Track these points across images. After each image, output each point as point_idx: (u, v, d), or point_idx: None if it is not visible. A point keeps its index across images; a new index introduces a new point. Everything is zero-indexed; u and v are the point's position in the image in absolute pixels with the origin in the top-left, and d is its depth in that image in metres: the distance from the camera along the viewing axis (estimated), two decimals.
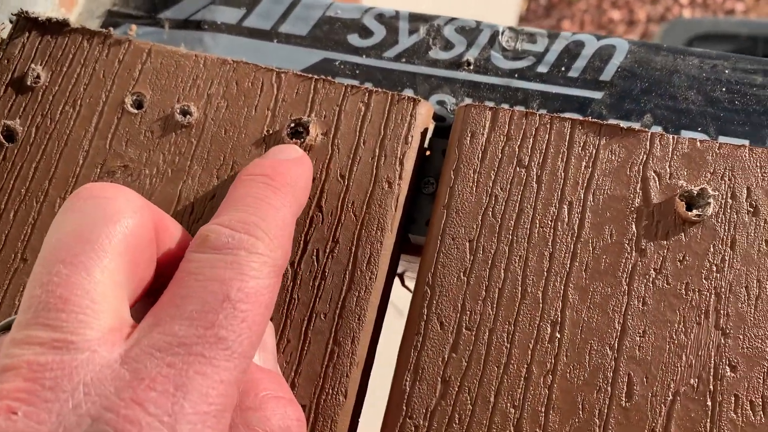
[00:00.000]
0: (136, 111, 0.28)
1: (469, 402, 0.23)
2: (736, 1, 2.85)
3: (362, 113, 0.27)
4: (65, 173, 0.27)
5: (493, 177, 0.26)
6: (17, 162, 0.27)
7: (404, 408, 0.23)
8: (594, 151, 0.25)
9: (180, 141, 0.27)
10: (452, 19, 0.31)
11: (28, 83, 0.28)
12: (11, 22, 0.29)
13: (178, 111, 0.27)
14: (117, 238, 0.19)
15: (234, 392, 0.18)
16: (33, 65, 0.28)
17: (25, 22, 0.29)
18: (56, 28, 0.29)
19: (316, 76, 0.28)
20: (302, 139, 0.26)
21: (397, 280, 0.32)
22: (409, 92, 0.30)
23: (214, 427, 0.17)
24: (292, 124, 0.27)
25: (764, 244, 0.24)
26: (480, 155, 0.26)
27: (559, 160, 0.26)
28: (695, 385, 0.23)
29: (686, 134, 0.28)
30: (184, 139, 0.27)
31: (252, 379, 0.21)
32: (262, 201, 0.22)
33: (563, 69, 0.30)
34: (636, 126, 0.27)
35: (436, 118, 0.30)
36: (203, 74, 0.28)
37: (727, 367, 0.23)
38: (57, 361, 0.17)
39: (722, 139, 0.28)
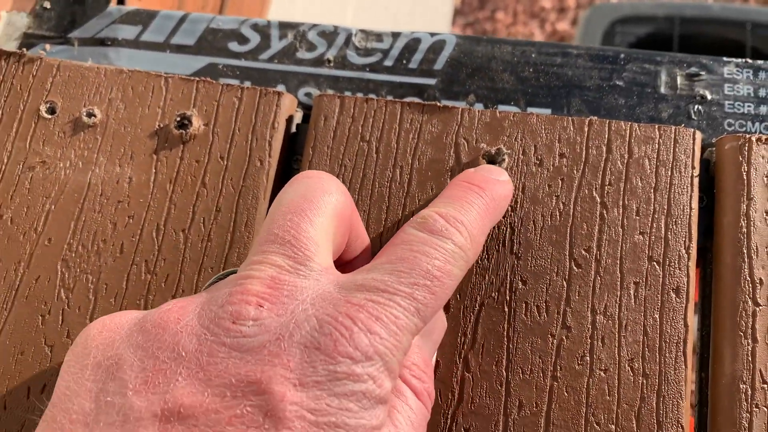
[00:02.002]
0: (49, 116, 0.34)
1: None
2: None
3: (236, 106, 0.33)
4: None
5: (342, 150, 0.32)
6: None
7: None
8: (419, 126, 0.32)
9: (87, 138, 0.33)
10: (314, 26, 0.38)
11: None
12: None
13: (85, 114, 0.33)
14: (330, 205, 0.26)
15: (405, 339, 0.24)
16: None
17: None
18: None
19: (197, 78, 0.34)
20: (187, 129, 0.33)
21: None
22: (281, 87, 0.37)
23: (394, 348, 0.23)
24: (178, 118, 0.33)
25: (547, 187, 0.31)
26: (332, 134, 0.33)
27: (393, 134, 0.32)
28: (495, 296, 0.30)
29: (502, 107, 0.35)
30: (91, 137, 0.33)
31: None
32: (472, 206, 0.27)
33: (404, 62, 0.37)
34: (456, 104, 0.34)
35: (305, 107, 0.36)
36: (104, 83, 0.34)
37: (519, 282, 0.30)
38: (292, 280, 0.24)
39: (530, 109, 0.36)
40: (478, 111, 0.32)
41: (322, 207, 0.26)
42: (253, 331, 0.23)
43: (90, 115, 0.33)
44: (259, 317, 0.23)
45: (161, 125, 0.33)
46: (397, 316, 0.23)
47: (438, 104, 0.33)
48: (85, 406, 0.22)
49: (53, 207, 0.32)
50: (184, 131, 0.33)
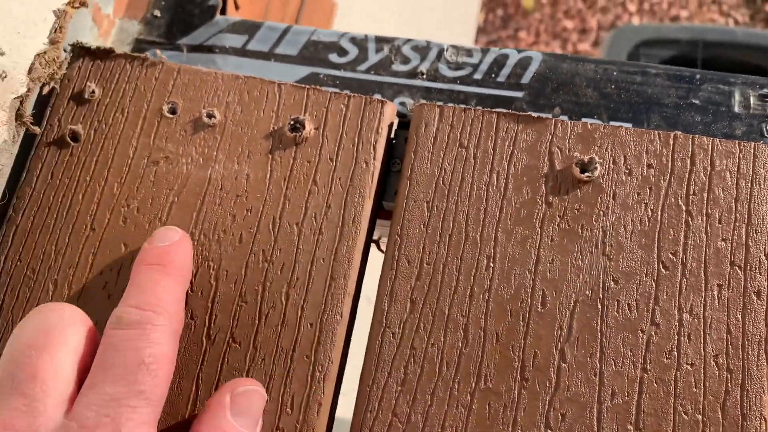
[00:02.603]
0: (171, 116, 0.36)
1: (430, 314, 0.32)
2: (681, 8, 3.00)
3: (343, 112, 0.36)
4: (120, 164, 0.36)
5: (442, 155, 0.35)
6: (81, 157, 0.36)
7: (383, 322, 0.33)
8: (514, 134, 0.35)
9: (207, 137, 0.36)
10: (408, 40, 0.41)
11: (86, 97, 0.37)
12: (67, 51, 0.38)
13: (205, 115, 0.36)
14: (72, 336, 0.27)
15: (153, 429, 0.25)
16: (88, 83, 0.37)
17: (79, 50, 0.38)
18: (104, 54, 0.38)
19: (308, 86, 0.37)
20: (300, 133, 0.35)
21: (374, 246, 0.41)
22: (377, 96, 0.39)
23: None
24: (292, 122, 0.36)
25: (636, 195, 0.34)
26: (432, 140, 0.35)
27: (489, 141, 0.35)
28: (590, 294, 0.32)
29: (586, 120, 0.38)
30: (211, 136, 0.36)
31: None
32: (157, 285, 0.29)
33: (493, 75, 0.39)
34: (546, 116, 0.36)
35: (399, 115, 0.39)
36: (222, 87, 0.37)
37: (611, 281, 0.32)
38: (26, 423, 0.24)
39: (612, 123, 0.38)
40: (571, 122, 0.35)
41: (63, 340, 0.27)
42: None
43: (210, 116, 0.36)
44: None
45: (275, 128, 0.36)
46: (132, 417, 0.25)
47: (532, 115, 0.35)
48: None
49: (176, 199, 0.35)
50: (297, 134, 0.35)
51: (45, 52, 0.34)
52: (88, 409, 0.25)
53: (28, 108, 0.34)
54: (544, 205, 0.34)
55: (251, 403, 0.29)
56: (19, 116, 0.34)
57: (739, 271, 0.32)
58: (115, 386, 0.25)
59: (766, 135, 0.37)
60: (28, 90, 0.34)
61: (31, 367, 0.25)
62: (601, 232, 0.33)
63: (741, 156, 0.34)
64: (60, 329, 0.27)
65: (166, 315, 0.28)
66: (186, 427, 0.31)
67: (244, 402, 0.29)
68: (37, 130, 0.35)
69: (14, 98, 0.33)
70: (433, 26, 1.78)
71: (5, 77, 0.32)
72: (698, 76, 0.39)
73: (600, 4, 3.05)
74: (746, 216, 0.33)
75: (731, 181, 0.34)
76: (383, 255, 0.34)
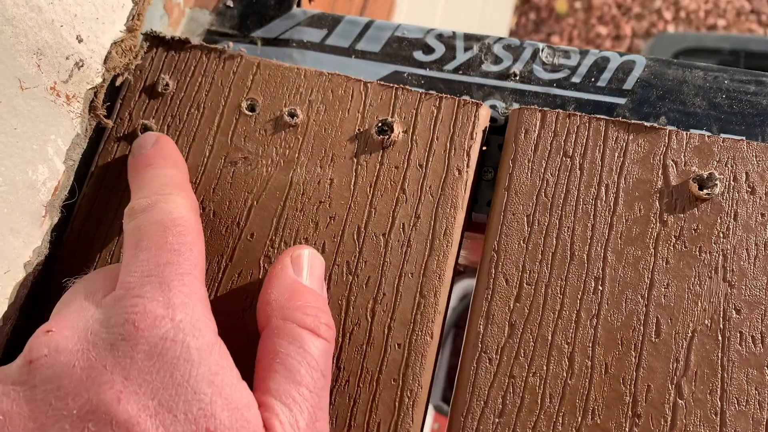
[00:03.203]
0: (250, 113, 0.34)
1: (531, 340, 0.30)
2: (718, 17, 2.94)
3: (435, 115, 0.33)
4: (194, 163, 0.33)
5: (544, 165, 0.32)
6: None
7: (479, 345, 0.30)
8: (624, 144, 0.32)
9: (289, 138, 0.33)
10: (500, 39, 0.38)
11: (159, 90, 0.34)
12: (143, 41, 0.35)
13: (287, 113, 0.33)
14: None
15: (196, 279, 0.25)
16: (162, 75, 0.35)
17: (153, 40, 0.35)
18: (179, 44, 0.35)
19: (396, 85, 0.34)
20: (387, 136, 0.33)
21: None
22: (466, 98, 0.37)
23: (185, 295, 0.24)
24: (380, 124, 0.33)
25: (760, 216, 0.31)
26: (533, 148, 0.33)
27: (597, 151, 0.32)
28: (709, 324, 0.29)
29: (694, 131, 0.35)
30: (292, 136, 0.33)
31: (295, 289, 0.28)
32: (158, 174, 0.30)
33: (593, 80, 0.36)
34: (660, 126, 0.34)
35: (489, 119, 0.36)
36: (304, 84, 0.34)
37: (733, 310, 0.29)
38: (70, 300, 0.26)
39: (723, 136, 0.35)
40: (686, 134, 0.32)
41: None
42: (52, 357, 0.23)
43: (292, 114, 0.33)
44: (50, 343, 0.23)
45: (361, 129, 0.33)
46: (172, 276, 0.25)
47: (645, 124, 0.32)
48: None
49: (255, 203, 0.32)
50: (384, 137, 0.33)
51: (122, 41, 0.32)
52: (129, 276, 0.25)
53: (102, 99, 0.32)
54: (658, 224, 0.31)
55: (310, 262, 0.29)
56: (92, 108, 0.31)
57: None
58: (149, 252, 0.25)
59: None
60: (103, 80, 0.32)
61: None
62: (721, 256, 0.30)
63: None
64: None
65: (173, 192, 0.29)
66: None
67: (302, 262, 0.29)
68: (109, 123, 0.33)
69: (89, 89, 0.31)
70: (466, 29, 1.75)
71: (82, 66, 0.29)
72: None
73: (635, 11, 3.00)
74: None
75: None
76: (477, 275, 0.32)
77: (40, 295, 0.31)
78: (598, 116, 0.33)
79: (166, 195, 0.28)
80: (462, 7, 1.59)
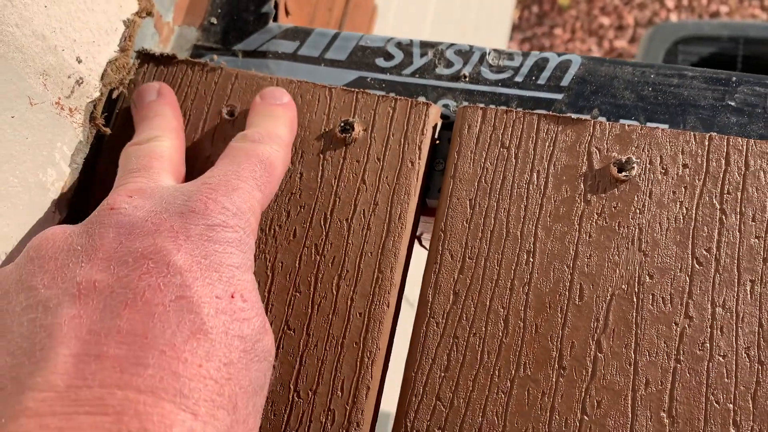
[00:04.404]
0: (230, 118, 0.39)
1: (472, 306, 0.34)
2: (721, 4, 2.95)
3: (390, 114, 0.38)
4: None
5: (484, 155, 0.37)
6: None
7: (428, 312, 0.35)
8: (554, 135, 0.37)
9: None
10: (452, 45, 0.43)
11: None
12: (134, 58, 0.41)
13: None
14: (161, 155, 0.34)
15: (257, 207, 0.31)
16: None
17: (145, 57, 0.41)
18: (167, 60, 0.40)
19: (356, 89, 0.39)
20: (349, 134, 0.38)
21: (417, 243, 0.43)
22: (422, 99, 0.41)
23: (249, 210, 0.30)
24: (342, 123, 0.38)
25: (672, 194, 0.35)
26: (475, 140, 0.37)
27: (530, 142, 0.37)
28: (626, 288, 0.34)
29: (623, 121, 0.39)
30: None
31: None
32: (274, 124, 0.36)
33: (534, 78, 0.41)
34: (585, 117, 0.38)
35: (443, 117, 0.41)
36: None
37: (646, 276, 0.34)
38: (152, 185, 0.31)
39: (649, 124, 0.39)
40: (609, 123, 0.37)
41: (159, 150, 0.33)
42: (131, 210, 0.28)
43: None
44: (132, 201, 0.29)
45: (326, 129, 0.38)
46: (247, 189, 0.31)
47: (571, 116, 0.37)
48: (5, 321, 0.25)
49: None
50: (347, 135, 0.38)
51: (116, 59, 0.37)
52: (211, 176, 0.31)
53: (101, 111, 0.37)
54: (582, 203, 0.35)
55: (273, 91, 0.38)
56: (92, 119, 0.36)
57: None
58: (237, 168, 0.31)
59: None
60: (101, 94, 0.37)
61: (146, 161, 0.33)
62: (637, 229, 0.35)
63: None
64: (152, 145, 0.34)
65: (281, 145, 0.35)
66: None
67: (267, 93, 0.37)
68: (108, 131, 0.38)
69: (89, 102, 0.36)
70: (469, 23, 1.79)
71: (82, 83, 0.35)
72: (734, 79, 0.40)
73: (637, 0, 3.02)
74: None
75: (765, 181, 0.35)
76: (426, 251, 0.36)
77: None
78: (531, 111, 0.38)
79: (273, 142, 0.34)
80: (460, 1, 1.63)
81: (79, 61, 0.34)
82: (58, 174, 0.35)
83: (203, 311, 0.26)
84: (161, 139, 0.34)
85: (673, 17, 3.00)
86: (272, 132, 0.35)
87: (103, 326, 0.24)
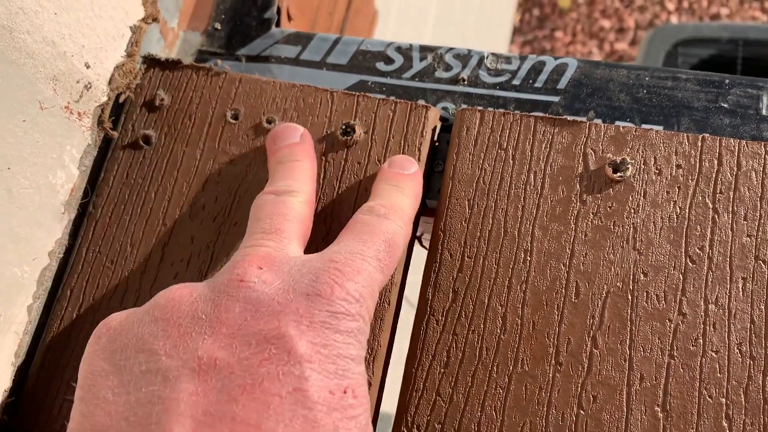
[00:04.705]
0: (234, 121, 0.40)
1: (471, 304, 0.35)
2: (721, 6, 2.96)
3: (391, 117, 0.39)
4: (188, 165, 0.39)
5: (482, 157, 0.38)
6: (153, 159, 0.40)
7: (428, 309, 0.35)
8: (550, 137, 0.38)
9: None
10: (450, 49, 0.43)
11: (156, 104, 0.40)
12: (140, 63, 0.42)
13: (265, 120, 0.39)
14: (302, 207, 0.34)
15: (376, 290, 0.30)
16: (159, 92, 0.41)
17: (151, 62, 0.42)
18: (172, 65, 0.41)
19: (357, 93, 0.40)
20: (350, 136, 0.39)
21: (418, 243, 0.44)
22: (421, 102, 0.42)
23: (370, 296, 0.30)
24: (344, 126, 0.39)
25: (665, 193, 0.36)
26: (473, 142, 0.38)
27: (527, 143, 0.38)
28: (620, 286, 0.35)
29: (619, 123, 0.40)
30: None
31: None
32: (399, 197, 0.35)
33: (531, 81, 0.42)
34: (581, 119, 0.39)
35: (442, 119, 0.42)
36: (280, 94, 0.40)
37: (641, 274, 0.35)
38: (280, 254, 0.30)
39: (644, 126, 0.40)
40: (604, 125, 0.37)
41: (293, 210, 0.33)
42: (260, 286, 0.28)
43: (270, 121, 0.39)
44: (261, 276, 0.28)
45: (328, 132, 0.39)
46: (371, 272, 0.30)
47: (567, 118, 0.38)
48: (123, 379, 0.26)
49: (239, 197, 0.38)
50: (348, 137, 0.39)
51: (123, 64, 0.38)
52: (338, 253, 0.30)
53: (108, 115, 0.38)
54: (578, 203, 0.36)
55: (402, 161, 0.37)
56: (100, 122, 0.37)
57: (763, 265, 0.34)
58: (363, 246, 0.31)
59: None
60: (108, 99, 0.38)
61: (278, 225, 0.32)
62: (632, 228, 0.35)
63: (766, 156, 0.36)
64: (288, 201, 0.33)
65: (405, 219, 0.34)
66: None
67: (396, 161, 0.37)
68: (115, 134, 0.39)
69: (96, 106, 0.37)
70: (470, 26, 1.80)
71: (90, 88, 0.35)
72: (727, 81, 0.41)
73: (638, 3, 3.03)
74: None
75: (756, 181, 0.36)
76: (426, 251, 0.37)
77: (60, 277, 0.38)
78: (528, 113, 0.38)
79: (399, 218, 0.33)
80: (458, 3, 1.64)
81: (88, 67, 0.35)
82: (68, 176, 0.36)
83: (317, 407, 0.25)
84: (298, 195, 0.34)
85: (674, 20, 3.01)
86: (397, 207, 0.34)
87: (219, 409, 0.24)
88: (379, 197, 0.35)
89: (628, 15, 3.04)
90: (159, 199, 0.39)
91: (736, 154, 0.36)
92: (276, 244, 0.31)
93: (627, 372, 0.33)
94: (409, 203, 0.35)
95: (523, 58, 0.43)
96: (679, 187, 0.36)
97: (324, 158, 0.39)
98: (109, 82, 0.38)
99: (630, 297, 0.34)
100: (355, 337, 0.28)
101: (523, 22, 3.16)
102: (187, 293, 0.28)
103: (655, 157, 0.37)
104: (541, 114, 0.39)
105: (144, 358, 0.26)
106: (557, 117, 0.38)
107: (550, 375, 0.34)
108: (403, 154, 0.38)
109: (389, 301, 0.36)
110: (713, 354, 0.33)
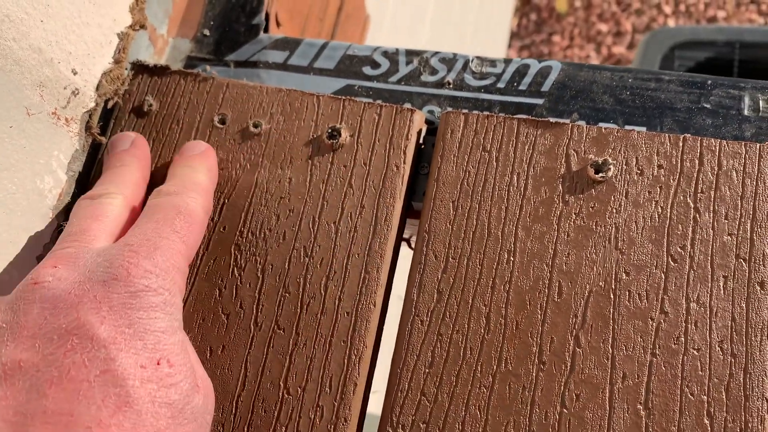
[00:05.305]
0: (221, 126, 0.40)
1: (455, 304, 0.36)
2: (718, 9, 2.96)
3: (376, 120, 0.40)
4: None
5: (466, 159, 0.38)
6: None
7: (413, 310, 0.36)
8: (533, 139, 0.38)
9: (254, 145, 0.40)
10: (436, 53, 0.44)
11: (145, 110, 0.41)
12: (128, 69, 0.42)
13: (252, 125, 0.40)
14: (116, 206, 0.34)
15: (182, 262, 0.31)
16: (147, 97, 0.41)
17: (139, 68, 0.42)
18: (161, 71, 0.42)
19: (343, 97, 0.40)
20: (336, 140, 0.39)
21: (405, 244, 0.44)
22: (408, 105, 0.43)
23: (173, 267, 0.30)
24: (329, 130, 0.39)
25: (647, 193, 0.36)
26: (457, 145, 0.39)
27: (510, 145, 0.38)
28: (603, 285, 0.35)
29: (602, 124, 0.41)
30: (257, 144, 0.40)
31: None
32: (190, 174, 0.36)
33: (515, 84, 0.42)
34: (564, 121, 0.39)
35: (428, 122, 0.42)
36: (266, 99, 0.41)
37: (623, 273, 0.35)
38: (77, 251, 0.30)
39: (627, 127, 0.41)
40: (586, 127, 0.38)
41: (104, 211, 0.33)
42: (55, 284, 0.28)
43: (256, 125, 0.40)
44: (56, 273, 0.29)
45: (314, 135, 0.40)
46: (170, 245, 0.31)
47: (550, 120, 0.38)
48: None
49: (227, 201, 0.39)
50: (334, 141, 0.39)
51: (110, 71, 0.38)
52: (132, 236, 0.31)
53: (96, 120, 0.38)
54: (561, 204, 0.37)
55: (190, 144, 0.39)
56: (88, 128, 0.38)
57: (744, 264, 0.35)
58: (156, 224, 0.31)
59: None
60: (96, 104, 0.38)
61: (82, 226, 0.32)
62: (614, 228, 0.36)
63: (747, 156, 0.36)
64: (100, 203, 0.34)
65: (199, 192, 0.35)
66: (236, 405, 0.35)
67: (184, 148, 0.39)
68: (103, 140, 0.39)
69: (84, 112, 0.37)
70: (467, 31, 1.81)
71: (77, 94, 0.36)
72: (709, 82, 0.41)
73: (635, 7, 3.04)
74: (751, 212, 0.35)
75: (737, 180, 0.36)
76: (413, 252, 0.38)
77: None
78: (512, 116, 0.39)
79: (190, 191, 0.35)
80: (456, 8, 1.64)
81: (75, 73, 0.35)
82: (55, 181, 0.36)
83: (128, 383, 0.26)
84: (114, 196, 0.34)
85: (671, 23, 3.02)
86: (188, 182, 0.35)
87: (29, 407, 0.25)
88: (169, 180, 0.36)
89: (625, 19, 3.05)
90: None
91: (717, 153, 0.37)
92: (79, 243, 0.31)
93: (609, 370, 0.34)
94: (203, 177, 0.36)
95: (507, 62, 0.43)
96: (660, 187, 0.36)
97: (310, 161, 0.39)
98: (97, 89, 0.38)
99: (612, 296, 0.35)
100: (161, 311, 0.29)
101: (521, 27, 3.17)
102: None
103: (636, 158, 0.37)
104: (524, 116, 0.40)
105: None
106: (540, 119, 0.38)
107: (534, 374, 0.34)
108: (388, 156, 0.39)
109: (374, 302, 0.36)
110: (695, 352, 0.33)
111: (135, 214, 0.35)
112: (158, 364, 0.27)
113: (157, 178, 0.39)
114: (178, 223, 0.32)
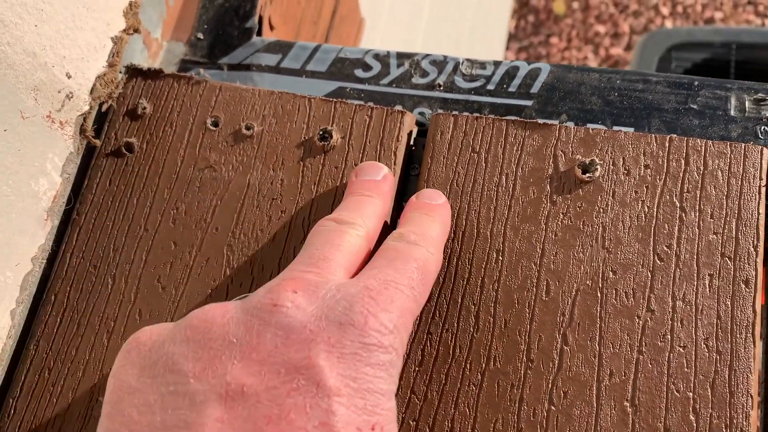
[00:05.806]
0: (214, 128, 0.41)
1: (445, 303, 0.36)
2: (715, 10, 2.97)
3: (367, 122, 0.40)
4: (169, 172, 0.40)
5: (456, 160, 0.39)
6: (135, 166, 0.40)
7: None
8: (522, 140, 0.39)
9: (246, 147, 0.40)
10: (427, 55, 0.44)
11: (139, 113, 0.41)
12: (123, 73, 0.43)
13: (244, 127, 0.40)
14: (355, 238, 0.33)
15: (410, 321, 0.30)
16: (141, 100, 0.42)
17: (133, 72, 0.43)
18: (154, 74, 0.42)
19: (334, 99, 0.41)
20: (328, 142, 0.39)
21: None
22: (398, 107, 0.43)
23: (403, 326, 0.29)
24: (321, 132, 0.40)
25: (634, 193, 0.37)
26: (447, 146, 0.39)
27: (499, 146, 0.39)
28: (590, 284, 0.35)
29: (590, 126, 0.41)
30: (249, 146, 0.40)
31: None
32: (429, 224, 0.35)
33: (505, 86, 0.43)
34: (553, 122, 0.40)
35: (419, 124, 0.43)
36: (258, 102, 0.41)
37: (610, 272, 0.36)
38: (316, 280, 0.29)
39: (615, 128, 0.41)
40: (574, 128, 0.38)
41: (348, 241, 0.32)
42: (293, 312, 0.27)
43: (249, 128, 0.40)
44: (295, 300, 0.28)
45: (306, 137, 0.40)
46: (404, 301, 0.29)
47: (538, 121, 0.39)
48: (149, 399, 0.26)
49: (219, 202, 0.39)
50: (325, 143, 0.39)
51: (104, 74, 0.39)
52: (372, 278, 0.29)
53: (90, 123, 0.39)
54: (548, 204, 0.37)
55: (431, 193, 0.37)
56: (82, 131, 0.38)
57: (729, 262, 0.35)
58: (395, 273, 0.30)
59: (760, 137, 0.40)
60: (90, 108, 0.39)
61: (325, 253, 0.31)
62: (601, 228, 0.36)
63: (732, 156, 0.37)
64: (345, 232, 0.33)
65: (435, 244, 0.34)
66: None
67: (424, 194, 0.37)
68: (97, 142, 0.40)
69: (78, 115, 0.38)
70: (464, 34, 1.81)
71: (72, 97, 0.36)
72: (696, 83, 0.42)
73: (632, 8, 3.04)
74: (736, 211, 0.36)
75: (723, 180, 0.36)
76: None
77: (45, 282, 0.38)
78: (500, 117, 0.39)
79: (430, 245, 0.33)
80: (452, 11, 1.65)
81: (69, 77, 0.36)
82: (50, 184, 0.37)
83: None
84: (359, 228, 0.33)
85: (669, 24, 3.02)
86: (427, 233, 0.34)
87: None
88: (408, 224, 0.35)
89: (623, 20, 3.06)
90: (141, 206, 0.40)
91: (703, 153, 0.37)
92: (320, 271, 0.30)
93: (597, 368, 0.34)
94: (439, 230, 0.35)
95: (497, 64, 0.44)
96: (647, 187, 0.37)
97: (302, 163, 0.40)
98: (91, 92, 0.38)
99: (599, 295, 0.35)
100: (386, 371, 0.27)
101: (519, 29, 3.18)
102: (219, 314, 0.28)
103: (623, 158, 0.37)
104: (513, 118, 0.40)
105: (172, 379, 0.26)
106: (528, 120, 0.39)
107: (522, 372, 0.34)
108: (379, 158, 0.39)
109: None
110: (681, 349, 0.34)
111: (370, 252, 0.34)
112: (372, 429, 0.26)
113: (156, 181, 0.40)
114: (415, 277, 0.31)
